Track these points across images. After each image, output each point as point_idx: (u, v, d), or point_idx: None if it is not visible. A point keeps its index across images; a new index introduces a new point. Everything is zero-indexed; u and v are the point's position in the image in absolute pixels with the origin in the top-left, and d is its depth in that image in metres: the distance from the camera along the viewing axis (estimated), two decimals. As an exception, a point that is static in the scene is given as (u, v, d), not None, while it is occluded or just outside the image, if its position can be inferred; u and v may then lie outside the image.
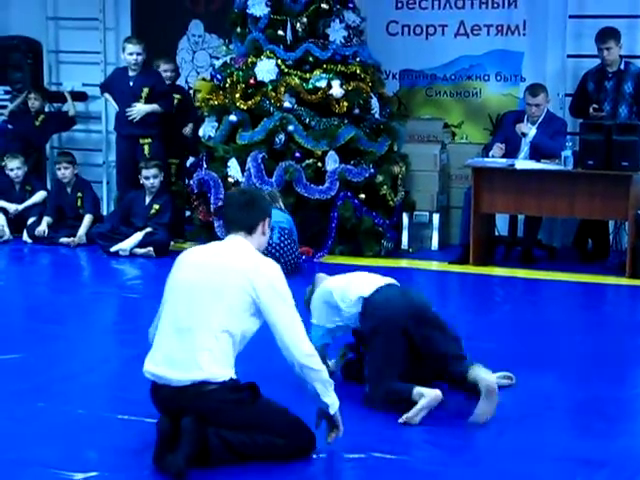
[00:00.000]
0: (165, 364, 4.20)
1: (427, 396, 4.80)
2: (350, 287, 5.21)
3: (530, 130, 8.83)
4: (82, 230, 9.63)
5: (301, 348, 4.17)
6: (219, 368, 4.14)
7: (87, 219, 9.73)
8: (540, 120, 8.91)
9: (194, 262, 4.41)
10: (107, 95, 9.95)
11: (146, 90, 9.63)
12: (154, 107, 9.61)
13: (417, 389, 4.85)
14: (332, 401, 4.25)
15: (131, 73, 9.74)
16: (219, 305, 4.18)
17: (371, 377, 5.04)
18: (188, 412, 4.10)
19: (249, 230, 4.40)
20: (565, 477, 4.19)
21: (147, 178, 9.30)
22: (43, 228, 9.71)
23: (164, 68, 9.93)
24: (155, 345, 4.33)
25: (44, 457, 4.25)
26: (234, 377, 4.19)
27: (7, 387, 5.23)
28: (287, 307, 4.22)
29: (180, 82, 10.72)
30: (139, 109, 9.53)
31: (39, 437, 4.52)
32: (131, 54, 9.67)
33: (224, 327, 4.15)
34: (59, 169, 9.94)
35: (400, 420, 4.76)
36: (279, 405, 4.31)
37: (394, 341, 5.00)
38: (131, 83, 9.70)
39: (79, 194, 9.91)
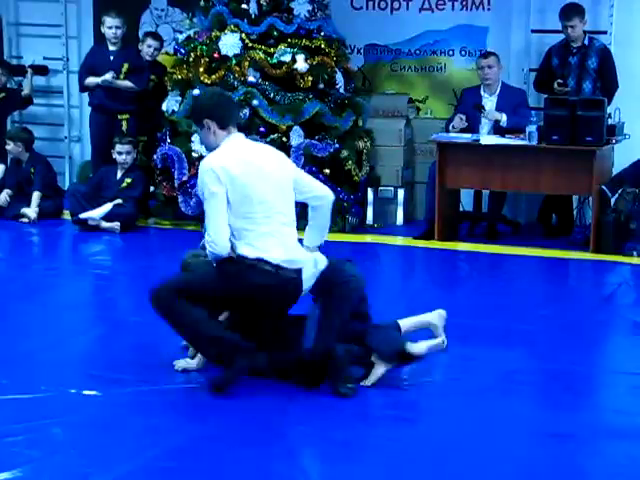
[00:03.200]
0: (292, 250, 4.87)
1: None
2: None
3: (502, 116, 8.83)
4: (32, 209, 9.44)
5: (325, 187, 5.19)
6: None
7: (35, 196, 9.52)
8: (498, 91, 8.99)
9: (257, 169, 4.88)
10: (91, 81, 9.70)
11: (126, 65, 9.52)
12: (126, 84, 9.49)
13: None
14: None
15: (111, 47, 9.60)
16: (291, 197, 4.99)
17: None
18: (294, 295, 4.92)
19: (237, 125, 5.10)
20: (533, 449, 4.22)
21: (120, 154, 9.20)
22: (4, 197, 9.61)
23: (149, 43, 9.78)
24: (267, 242, 4.81)
25: (6, 434, 4.21)
26: None
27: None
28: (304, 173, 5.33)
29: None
30: (108, 78, 9.39)
31: (1, 414, 4.47)
32: (110, 27, 9.55)
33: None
34: None
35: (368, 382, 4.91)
36: None
37: None
38: (111, 58, 9.56)
39: (32, 169, 9.77)
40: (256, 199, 4.80)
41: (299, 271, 4.90)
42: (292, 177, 5.03)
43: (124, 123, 9.52)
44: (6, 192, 9.67)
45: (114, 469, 3.91)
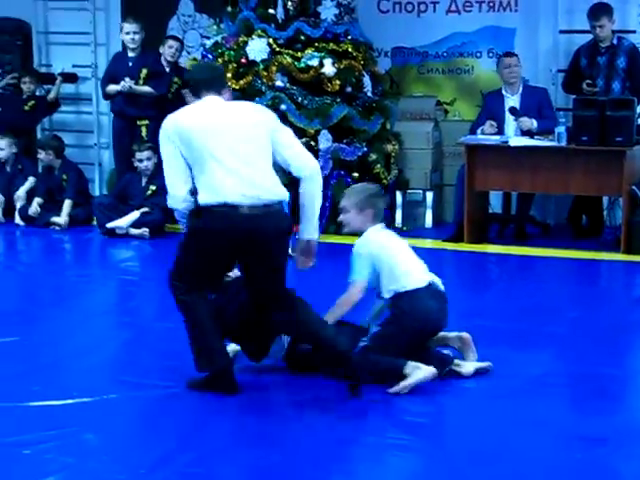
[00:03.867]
0: (250, 187, 4.66)
1: (424, 370, 4.89)
2: (396, 270, 5.20)
3: (533, 123, 8.78)
4: (63, 217, 9.53)
5: (311, 157, 4.92)
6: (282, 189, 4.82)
7: (66, 204, 9.62)
8: (520, 91, 8.99)
9: (216, 119, 4.80)
10: (111, 88, 9.75)
11: (145, 71, 9.57)
12: (145, 89, 9.54)
13: (412, 363, 4.92)
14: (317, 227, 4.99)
15: (130, 54, 9.68)
16: (263, 141, 4.79)
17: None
18: (267, 233, 4.70)
19: (220, 91, 4.94)
20: (564, 454, 4.19)
21: (141, 161, 9.25)
22: (35, 207, 9.68)
23: (170, 44, 9.82)
24: (222, 181, 4.66)
25: (39, 441, 4.23)
26: None
27: (3, 370, 5.21)
28: (290, 132, 4.98)
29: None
30: (126, 84, 9.43)
31: (34, 421, 4.50)
32: (127, 33, 9.62)
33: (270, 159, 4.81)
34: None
35: (391, 390, 4.83)
36: None
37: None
38: (130, 64, 9.64)
39: (64, 176, 9.85)
40: (207, 154, 4.67)
41: (269, 206, 4.72)
42: (269, 130, 4.81)
43: (143, 129, 9.55)
44: (36, 201, 9.74)
45: (147, 475, 3.92)
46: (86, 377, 5.15)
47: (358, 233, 5.30)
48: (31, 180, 10.01)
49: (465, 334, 5.30)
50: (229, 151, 4.70)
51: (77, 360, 5.44)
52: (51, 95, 10.74)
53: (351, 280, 5.14)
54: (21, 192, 9.89)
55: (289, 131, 5.00)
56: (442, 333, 5.32)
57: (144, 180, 9.33)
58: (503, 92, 9.08)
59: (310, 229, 4.97)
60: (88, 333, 6.05)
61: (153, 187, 9.26)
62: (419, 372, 4.89)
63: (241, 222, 4.65)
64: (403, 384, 4.87)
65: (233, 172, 4.67)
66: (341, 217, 5.34)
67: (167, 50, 9.81)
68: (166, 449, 4.19)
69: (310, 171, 4.87)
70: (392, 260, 5.22)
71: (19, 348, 5.67)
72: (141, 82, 9.57)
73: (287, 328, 4.95)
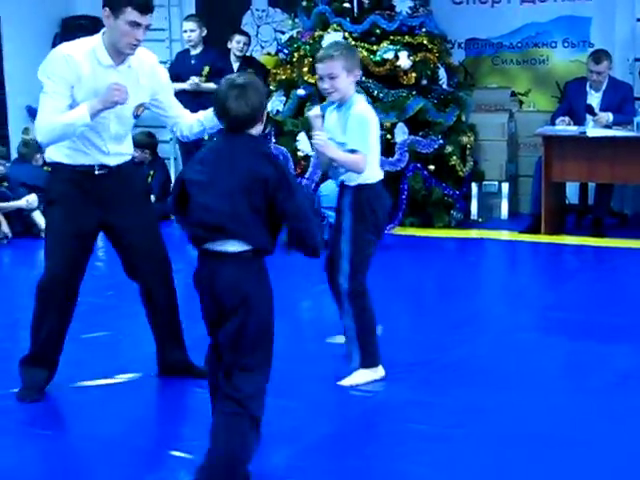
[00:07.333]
0: None
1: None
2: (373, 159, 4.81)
3: (609, 117, 8.67)
4: None
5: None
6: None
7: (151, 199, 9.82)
8: (604, 87, 8.85)
9: None
10: (176, 87, 9.88)
11: (207, 68, 9.70)
12: (211, 86, 9.64)
13: None
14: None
15: (192, 52, 9.82)
16: None
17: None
18: None
19: None
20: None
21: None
22: None
23: (237, 39, 9.96)
24: None
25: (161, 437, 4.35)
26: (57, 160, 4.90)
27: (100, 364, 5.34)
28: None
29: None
30: (193, 83, 9.57)
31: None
32: (185, 31, 9.78)
33: None
34: None
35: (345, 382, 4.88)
36: None
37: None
38: (193, 61, 9.78)
39: (151, 172, 10.05)
40: None
41: None
42: None
43: None
44: None
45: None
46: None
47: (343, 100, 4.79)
48: None
49: None
50: None
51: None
52: None
53: (357, 148, 4.66)
54: None
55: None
56: None
57: None
58: (587, 88, 8.92)
59: None
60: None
61: None
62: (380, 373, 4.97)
63: None
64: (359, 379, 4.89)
65: None
66: (327, 84, 4.74)
67: (235, 45, 9.94)
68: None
69: None
70: (375, 147, 4.79)
71: (111, 343, 5.80)
72: (203, 79, 9.69)
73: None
